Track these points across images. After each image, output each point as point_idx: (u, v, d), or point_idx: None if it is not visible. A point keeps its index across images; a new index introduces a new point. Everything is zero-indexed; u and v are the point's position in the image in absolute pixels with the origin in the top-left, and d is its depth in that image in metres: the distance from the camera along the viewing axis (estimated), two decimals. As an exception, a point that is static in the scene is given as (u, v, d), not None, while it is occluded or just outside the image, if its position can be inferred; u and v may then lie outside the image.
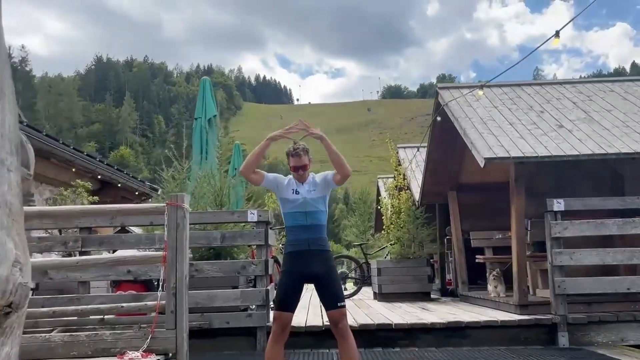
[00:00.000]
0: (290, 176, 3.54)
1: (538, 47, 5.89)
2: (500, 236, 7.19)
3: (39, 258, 7.12)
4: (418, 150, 11.09)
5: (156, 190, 11.25)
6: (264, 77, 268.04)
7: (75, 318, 4.04)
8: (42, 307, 4.78)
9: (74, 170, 9.64)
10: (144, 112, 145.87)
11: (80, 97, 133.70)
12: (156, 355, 3.36)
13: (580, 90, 7.31)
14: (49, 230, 7.61)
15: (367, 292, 9.54)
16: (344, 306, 3.43)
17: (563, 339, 5.10)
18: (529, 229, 5.96)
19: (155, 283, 4.56)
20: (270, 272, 5.16)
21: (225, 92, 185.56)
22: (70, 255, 5.23)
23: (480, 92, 6.78)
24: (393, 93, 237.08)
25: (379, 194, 14.18)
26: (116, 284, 5.36)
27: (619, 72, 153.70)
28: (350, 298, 8.79)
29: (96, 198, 8.95)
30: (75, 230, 5.41)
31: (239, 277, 5.25)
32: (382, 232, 9.75)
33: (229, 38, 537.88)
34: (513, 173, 5.70)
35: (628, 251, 5.12)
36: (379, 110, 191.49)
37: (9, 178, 1.11)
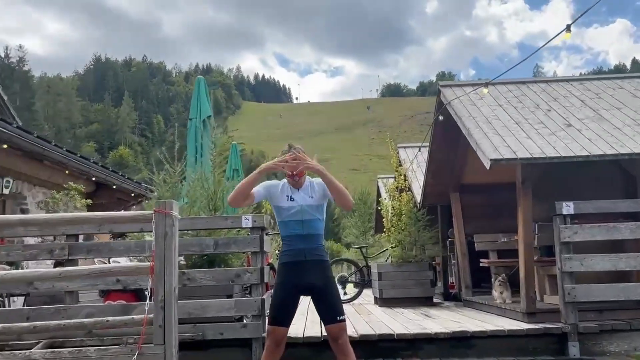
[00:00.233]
0: (284, 180, 3.30)
1: (548, 41, 5.66)
2: (505, 239, 6.95)
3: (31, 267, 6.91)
4: (419, 150, 10.85)
5: (153, 192, 11.06)
6: (263, 76, 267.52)
7: (62, 326, 3.81)
8: (28, 318, 4.58)
9: (67, 172, 9.43)
10: (142, 111, 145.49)
11: (79, 97, 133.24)
12: (142, 374, 3.14)
13: (587, 87, 7.06)
14: (44, 238, 7.42)
15: (367, 294, 9.32)
16: (343, 320, 3.19)
17: (574, 349, 4.87)
18: (536, 232, 5.72)
19: (146, 292, 4.35)
20: (266, 280, 4.92)
21: (224, 92, 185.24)
22: (61, 263, 5.01)
23: (485, 90, 6.54)
24: (392, 91, 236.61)
25: (379, 194, 13.94)
26: (105, 294, 5.13)
27: (619, 69, 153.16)
28: (350, 303, 8.58)
29: (89, 201, 8.74)
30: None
31: (234, 285, 5.01)
32: (383, 233, 9.51)
33: (228, 37, 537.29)
34: (520, 175, 5.46)
35: (642, 256, 4.88)
36: (378, 108, 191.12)
37: None
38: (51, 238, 7.09)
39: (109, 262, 5.63)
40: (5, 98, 11.80)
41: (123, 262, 5.32)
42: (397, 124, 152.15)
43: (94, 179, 10.27)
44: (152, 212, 3.42)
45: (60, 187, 8.49)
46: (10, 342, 4.41)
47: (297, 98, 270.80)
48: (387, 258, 8.93)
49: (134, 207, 12.70)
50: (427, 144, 8.60)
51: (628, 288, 4.93)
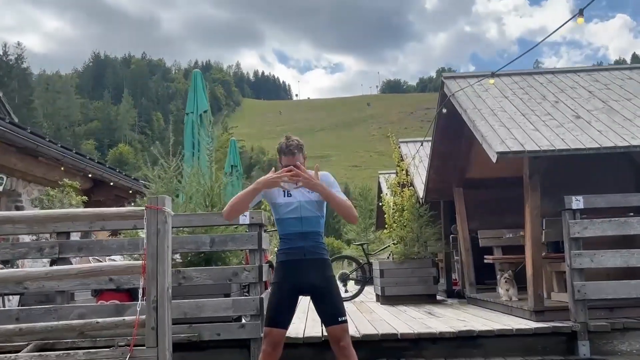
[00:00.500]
0: None
1: (558, 29, 5.47)
2: (510, 235, 6.77)
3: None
4: (422, 144, 10.66)
5: (148, 188, 10.90)
6: (263, 73, 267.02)
7: (50, 328, 3.64)
8: (17, 319, 4.40)
9: (62, 168, 9.26)
10: (142, 109, 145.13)
11: (78, 94, 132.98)
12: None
13: (596, 78, 6.85)
14: (39, 235, 7.24)
15: (369, 292, 9.15)
16: (345, 321, 3.01)
17: (584, 348, 4.69)
18: (544, 228, 5.54)
19: (140, 291, 4.18)
20: (265, 278, 4.75)
21: (224, 88, 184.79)
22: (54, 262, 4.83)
23: (492, 81, 6.34)
24: (392, 87, 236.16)
25: (380, 190, 13.76)
26: (98, 293, 4.95)
27: (619, 64, 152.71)
28: (352, 301, 8.41)
29: (85, 198, 8.57)
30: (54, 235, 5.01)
31: (231, 284, 4.84)
32: (384, 229, 9.34)
33: (227, 34, 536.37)
34: (527, 168, 5.27)
35: (655, 252, 4.70)
36: (378, 105, 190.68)
37: None
38: (47, 236, 6.93)
39: (106, 260, 5.46)
40: (0, 94, 11.60)
41: (119, 260, 5.15)
42: (397, 120, 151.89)
43: (90, 175, 10.09)
44: (144, 208, 3.25)
45: (56, 184, 8.31)
46: (-1, 344, 4.24)
47: (297, 95, 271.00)
48: (389, 255, 8.77)
49: (132, 204, 12.53)
50: (430, 138, 8.41)
51: (640, 285, 4.75)
